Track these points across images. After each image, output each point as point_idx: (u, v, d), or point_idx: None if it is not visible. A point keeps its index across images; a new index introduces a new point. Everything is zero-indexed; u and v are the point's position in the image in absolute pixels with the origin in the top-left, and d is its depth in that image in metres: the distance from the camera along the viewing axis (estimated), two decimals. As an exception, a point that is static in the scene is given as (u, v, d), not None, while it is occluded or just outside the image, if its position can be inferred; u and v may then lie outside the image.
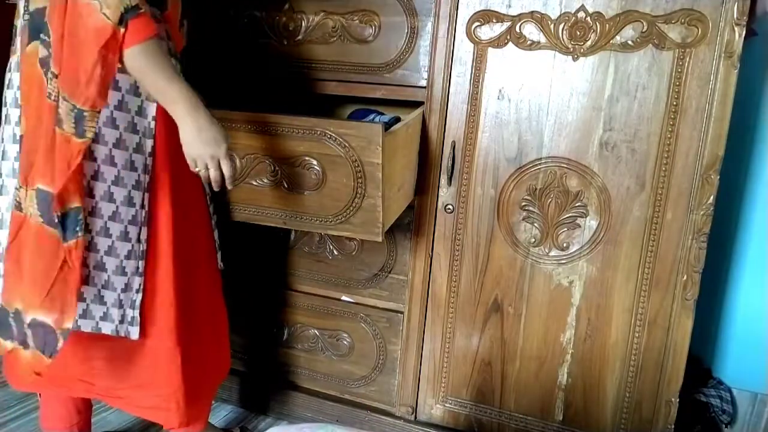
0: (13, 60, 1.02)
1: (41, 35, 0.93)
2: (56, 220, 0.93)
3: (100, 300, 1.03)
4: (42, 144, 0.94)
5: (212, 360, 1.23)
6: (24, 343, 0.99)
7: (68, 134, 0.92)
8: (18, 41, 1.00)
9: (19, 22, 0.99)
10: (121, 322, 1.05)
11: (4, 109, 1.03)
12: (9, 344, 0.99)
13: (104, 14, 0.85)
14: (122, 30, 0.87)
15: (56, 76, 0.91)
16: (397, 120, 1.35)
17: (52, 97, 0.92)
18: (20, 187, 0.96)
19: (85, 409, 1.29)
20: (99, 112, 0.93)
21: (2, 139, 1.03)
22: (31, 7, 0.95)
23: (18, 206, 0.97)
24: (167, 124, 1.02)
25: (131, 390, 1.14)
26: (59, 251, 0.95)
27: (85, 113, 0.91)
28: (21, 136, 0.97)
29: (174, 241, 1.06)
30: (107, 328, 1.04)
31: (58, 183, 0.92)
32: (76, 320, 1.01)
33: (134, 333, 1.06)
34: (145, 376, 1.12)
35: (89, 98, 0.90)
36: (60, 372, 1.11)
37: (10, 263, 0.99)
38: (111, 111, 0.97)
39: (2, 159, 1.03)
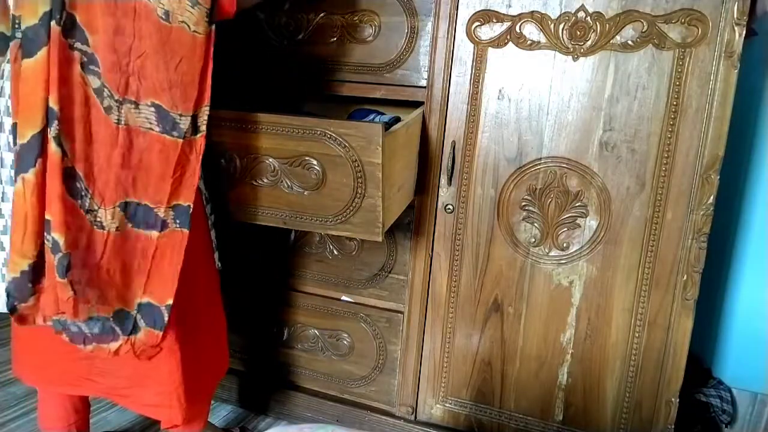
0: (6, 68, 1.01)
1: (90, 66, 0.94)
2: (159, 221, 0.99)
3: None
4: (117, 163, 0.97)
5: (211, 359, 1.24)
6: (134, 330, 1.03)
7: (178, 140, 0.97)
8: (9, 52, 0.99)
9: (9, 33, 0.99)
10: None
11: None
12: (114, 345, 1.04)
13: (195, 32, 0.93)
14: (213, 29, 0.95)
15: (121, 102, 0.95)
16: (397, 120, 1.35)
17: (122, 122, 0.96)
18: (98, 209, 0.98)
19: (83, 408, 1.29)
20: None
21: None
22: (23, 25, 0.93)
23: (101, 227, 0.99)
24: None
25: (134, 388, 1.14)
26: (151, 245, 1.01)
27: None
28: (72, 167, 0.97)
29: None
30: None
31: (166, 189, 0.98)
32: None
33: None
34: (146, 374, 1.12)
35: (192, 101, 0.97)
36: (68, 370, 1.13)
37: (102, 278, 1.01)
38: None
39: (1, 167, 1.03)
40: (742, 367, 1.62)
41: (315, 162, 1.08)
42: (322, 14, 1.34)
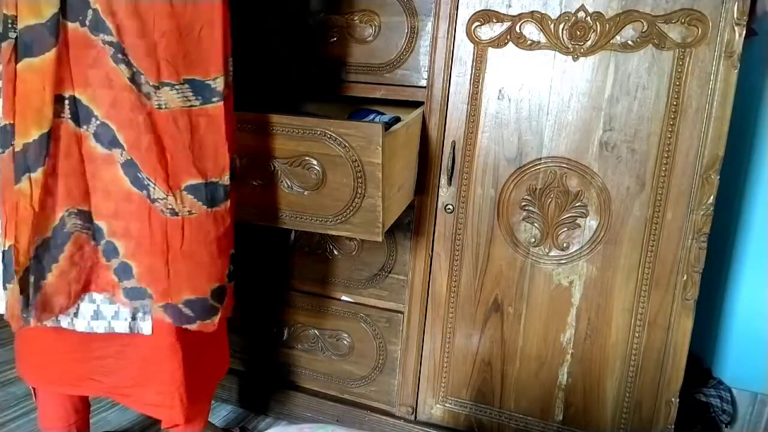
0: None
1: (119, 55, 0.93)
2: (222, 192, 1.01)
3: (110, 300, 1.04)
4: (170, 146, 0.97)
5: (211, 358, 1.24)
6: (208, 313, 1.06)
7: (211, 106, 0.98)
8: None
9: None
10: (133, 319, 1.05)
11: None
12: (216, 318, 1.06)
13: None
14: None
15: (158, 86, 0.94)
16: (397, 120, 1.35)
17: (164, 106, 0.95)
18: (166, 196, 0.98)
19: (83, 408, 1.29)
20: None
21: None
22: (20, 25, 0.92)
23: (174, 214, 0.99)
24: None
25: (136, 388, 1.14)
26: (228, 216, 1.03)
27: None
28: (131, 159, 0.97)
29: None
30: (120, 327, 1.05)
31: (224, 157, 0.99)
32: (89, 322, 1.04)
33: (147, 328, 1.07)
34: (147, 373, 1.12)
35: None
36: (69, 370, 1.13)
37: (181, 262, 1.01)
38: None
39: None
40: (742, 367, 1.62)
41: (315, 162, 1.08)
42: (322, 14, 1.34)
